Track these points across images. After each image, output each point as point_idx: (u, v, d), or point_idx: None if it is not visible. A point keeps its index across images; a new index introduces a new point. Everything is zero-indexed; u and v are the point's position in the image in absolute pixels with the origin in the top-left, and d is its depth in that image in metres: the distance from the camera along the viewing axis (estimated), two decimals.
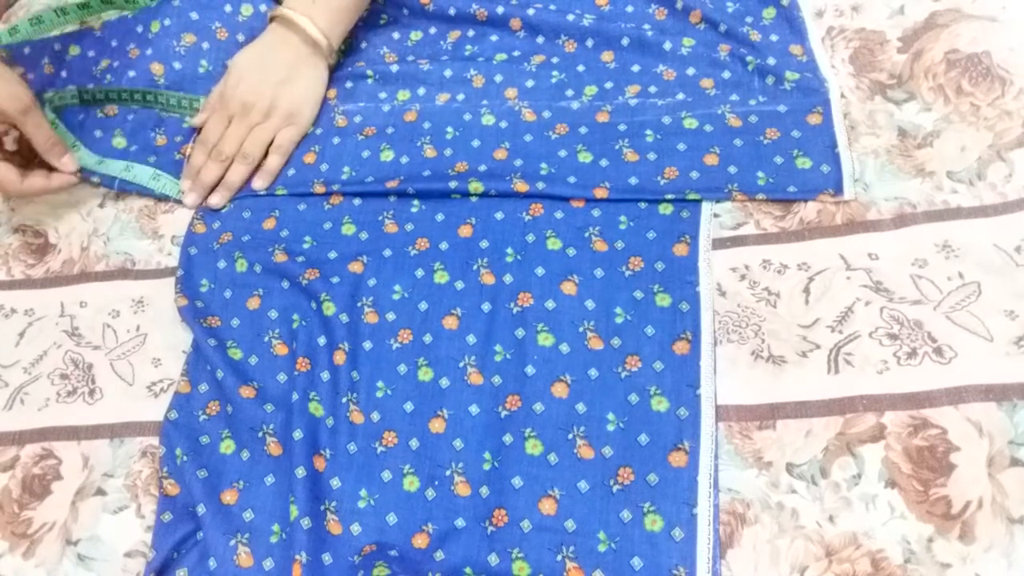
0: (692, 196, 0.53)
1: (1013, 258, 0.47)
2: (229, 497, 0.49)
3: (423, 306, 0.53)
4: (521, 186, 0.55)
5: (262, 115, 0.61)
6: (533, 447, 0.46)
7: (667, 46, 0.60)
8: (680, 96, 0.58)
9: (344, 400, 0.50)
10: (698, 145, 0.55)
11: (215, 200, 0.61)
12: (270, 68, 0.61)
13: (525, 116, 0.60)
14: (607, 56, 0.62)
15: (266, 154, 0.62)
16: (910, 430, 0.43)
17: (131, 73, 0.68)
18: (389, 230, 0.57)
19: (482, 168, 0.57)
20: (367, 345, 0.52)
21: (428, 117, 0.61)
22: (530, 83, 0.62)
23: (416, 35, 0.67)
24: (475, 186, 0.56)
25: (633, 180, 0.55)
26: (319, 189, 0.59)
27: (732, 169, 0.54)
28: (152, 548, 0.48)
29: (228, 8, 0.69)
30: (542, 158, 0.57)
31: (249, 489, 0.49)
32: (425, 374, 0.50)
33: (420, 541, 0.45)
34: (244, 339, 0.54)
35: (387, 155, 0.60)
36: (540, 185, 0.55)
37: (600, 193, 0.54)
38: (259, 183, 0.61)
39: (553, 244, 0.53)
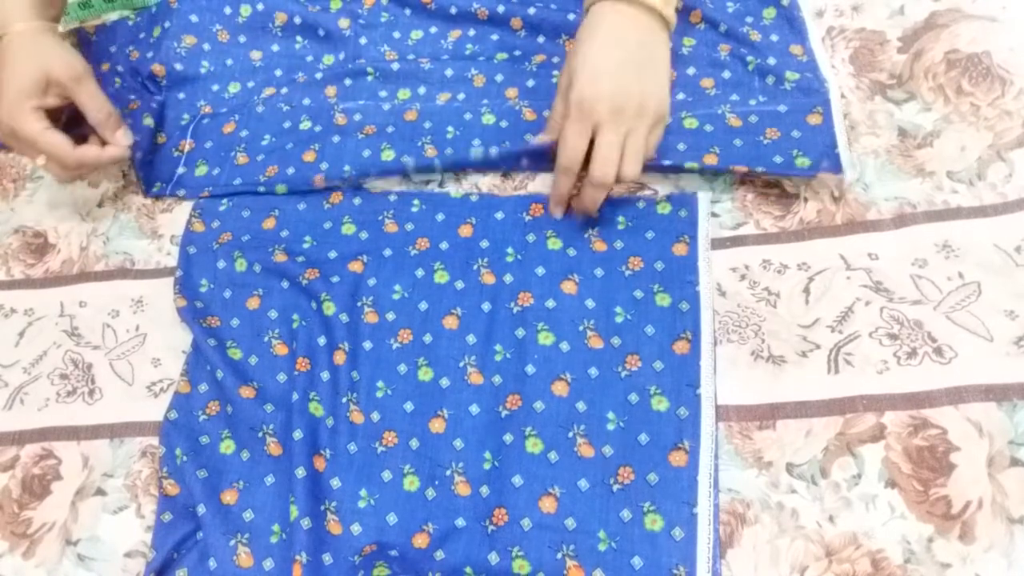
0: (690, 165, 0.53)
1: (1013, 258, 0.47)
2: (229, 497, 0.49)
3: (423, 306, 0.53)
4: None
5: (634, 117, 0.49)
6: (533, 446, 0.46)
7: None
8: (680, 96, 0.58)
9: (344, 400, 0.50)
10: (698, 145, 0.55)
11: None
12: (630, 56, 0.49)
13: (526, 116, 0.60)
14: None
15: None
16: (910, 430, 0.43)
17: (133, 77, 0.69)
18: (389, 230, 0.57)
19: (492, 149, 0.57)
20: (367, 345, 0.52)
21: (429, 116, 0.61)
22: (531, 83, 0.62)
23: (417, 34, 0.67)
24: (476, 152, 0.57)
25: None
26: (319, 180, 0.59)
27: (732, 169, 0.54)
28: (152, 548, 0.48)
29: (228, 10, 0.69)
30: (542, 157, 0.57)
31: (249, 489, 0.49)
32: (425, 374, 0.50)
33: (420, 541, 0.45)
34: (244, 339, 0.54)
35: (388, 155, 0.60)
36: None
37: None
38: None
39: (553, 244, 0.53)
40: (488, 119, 0.60)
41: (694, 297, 0.49)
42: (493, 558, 0.44)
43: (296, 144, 0.63)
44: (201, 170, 0.64)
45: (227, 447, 0.50)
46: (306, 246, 0.58)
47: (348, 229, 0.58)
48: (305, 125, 0.64)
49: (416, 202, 0.58)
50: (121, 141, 0.60)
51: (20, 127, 0.56)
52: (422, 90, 0.63)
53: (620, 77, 0.48)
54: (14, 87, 0.56)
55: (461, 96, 0.62)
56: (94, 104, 0.58)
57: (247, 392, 0.52)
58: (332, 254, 0.57)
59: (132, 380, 0.55)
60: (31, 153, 0.58)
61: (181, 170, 0.64)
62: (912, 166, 0.52)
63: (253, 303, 0.56)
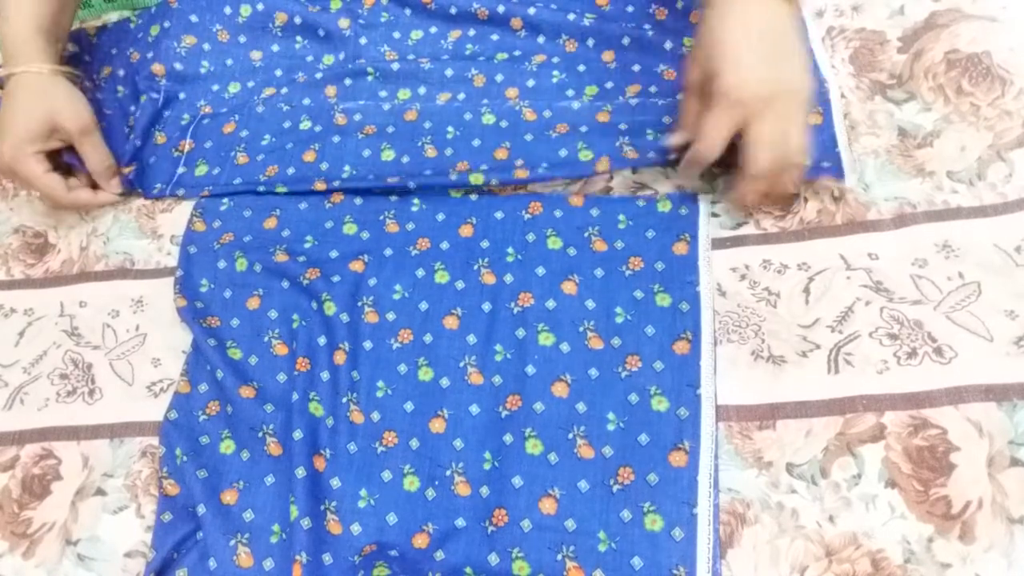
0: None
1: (1013, 258, 0.47)
2: (229, 497, 0.49)
3: (423, 306, 0.53)
4: (522, 172, 0.55)
5: (785, 103, 0.47)
6: (533, 447, 0.46)
7: (667, 46, 0.60)
8: (681, 96, 0.58)
9: (344, 400, 0.50)
10: None
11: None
12: (768, 41, 0.47)
13: (526, 116, 0.60)
14: (608, 56, 0.62)
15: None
16: (910, 430, 0.43)
17: (135, 80, 0.69)
18: (390, 229, 0.57)
19: (483, 168, 0.57)
20: (367, 345, 0.52)
21: (429, 116, 0.61)
22: (531, 83, 0.62)
23: (417, 34, 0.67)
24: (476, 177, 0.56)
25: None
26: (319, 186, 0.59)
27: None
28: (152, 548, 0.48)
29: (228, 10, 0.69)
30: (543, 157, 0.57)
31: (249, 489, 0.49)
32: (425, 374, 0.50)
33: (420, 541, 0.45)
34: (244, 339, 0.54)
35: (388, 155, 0.60)
36: (542, 169, 0.55)
37: (602, 165, 0.55)
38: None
39: (554, 243, 0.53)
40: (488, 119, 0.60)
41: (694, 297, 0.49)
42: (493, 559, 0.44)
43: (296, 144, 0.63)
44: (201, 170, 0.64)
45: (227, 447, 0.50)
46: (307, 246, 0.58)
47: (349, 229, 0.58)
48: (305, 125, 0.64)
49: (417, 202, 0.58)
50: (114, 189, 0.63)
51: (20, 168, 0.59)
52: (422, 90, 0.63)
53: (764, 64, 0.47)
54: (21, 129, 0.58)
55: (461, 96, 0.62)
56: (97, 155, 0.61)
57: (247, 392, 0.52)
58: (333, 254, 0.57)
59: (132, 380, 0.55)
60: (26, 187, 0.59)
61: (181, 170, 0.64)
62: (912, 166, 0.52)
63: (253, 303, 0.56)
